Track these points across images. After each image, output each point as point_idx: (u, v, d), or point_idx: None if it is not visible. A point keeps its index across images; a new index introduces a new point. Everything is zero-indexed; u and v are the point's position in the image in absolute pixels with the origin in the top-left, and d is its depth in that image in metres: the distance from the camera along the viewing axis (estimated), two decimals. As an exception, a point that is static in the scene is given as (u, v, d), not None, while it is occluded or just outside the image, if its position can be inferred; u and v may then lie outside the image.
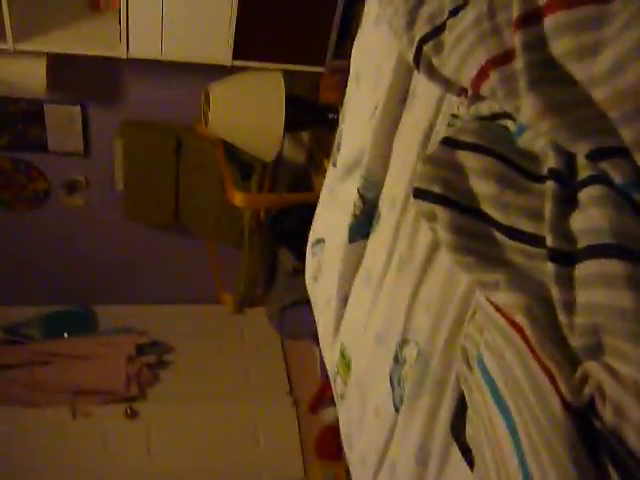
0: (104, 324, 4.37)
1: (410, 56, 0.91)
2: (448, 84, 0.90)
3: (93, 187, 3.83)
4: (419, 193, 0.79)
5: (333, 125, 3.38)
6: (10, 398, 3.89)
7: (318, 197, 3.31)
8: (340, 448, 3.37)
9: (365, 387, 1.38)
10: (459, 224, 0.75)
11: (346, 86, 3.06)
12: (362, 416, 1.39)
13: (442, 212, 0.76)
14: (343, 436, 1.55)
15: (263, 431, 4.04)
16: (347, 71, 3.01)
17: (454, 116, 1.02)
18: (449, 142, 0.80)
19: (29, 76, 3.00)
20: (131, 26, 2.85)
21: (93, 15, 3.07)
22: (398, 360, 1.22)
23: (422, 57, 0.88)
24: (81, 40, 2.93)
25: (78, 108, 3.44)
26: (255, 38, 3.04)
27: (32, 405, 3.90)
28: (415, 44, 0.88)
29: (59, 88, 3.30)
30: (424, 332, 1.12)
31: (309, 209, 3.14)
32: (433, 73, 0.89)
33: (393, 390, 1.24)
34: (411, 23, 0.90)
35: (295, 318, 3.47)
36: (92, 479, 3.75)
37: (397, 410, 1.23)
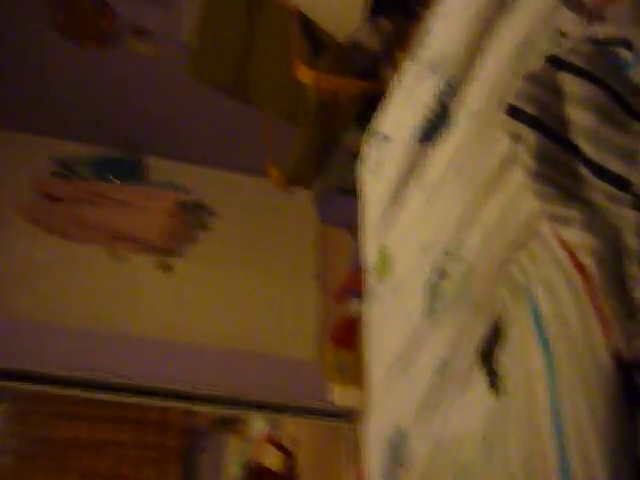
0: (152, 176, 4.42)
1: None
2: (572, 1, 0.82)
3: (162, 37, 3.75)
4: (511, 110, 0.74)
5: (415, 15, 3.22)
6: (53, 228, 4.03)
7: (385, 88, 3.21)
8: (356, 338, 3.47)
9: (401, 292, 1.38)
10: (545, 151, 0.71)
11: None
12: (392, 318, 1.41)
13: (530, 135, 0.72)
14: (370, 334, 1.57)
15: (284, 307, 4.14)
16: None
17: (562, 34, 0.95)
18: (555, 61, 0.74)
19: None
20: None
21: None
22: (441, 272, 1.22)
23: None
24: None
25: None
26: None
27: (73, 239, 4.04)
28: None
29: None
30: (473, 250, 1.10)
31: None
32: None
33: (429, 299, 1.24)
34: None
35: (338, 205, 3.47)
36: (118, 317, 3.92)
37: (428, 320, 1.23)
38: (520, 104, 0.74)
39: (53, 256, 3.98)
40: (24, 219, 4.02)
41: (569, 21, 0.90)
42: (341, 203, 3.45)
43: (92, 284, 3.97)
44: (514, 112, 0.75)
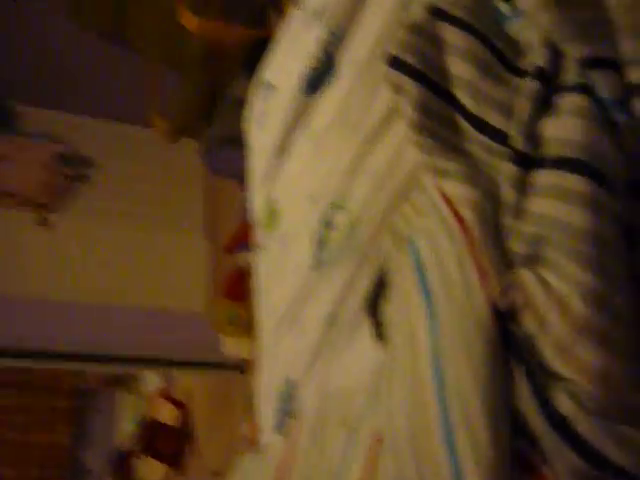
0: (24, 126, 4.13)
1: None
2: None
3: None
4: (393, 61, 0.73)
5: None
6: None
7: (272, 35, 3.15)
8: (246, 290, 3.46)
9: (289, 243, 1.37)
10: (426, 103, 0.71)
11: None
12: (280, 270, 1.40)
13: (412, 87, 0.71)
14: (259, 287, 1.56)
15: (172, 260, 4.07)
16: None
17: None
18: (437, 12, 0.73)
19: None
20: None
21: None
22: (327, 223, 1.21)
23: None
24: None
25: None
26: None
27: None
28: None
29: None
30: (360, 200, 1.11)
31: None
32: None
33: (315, 251, 1.24)
34: None
35: (226, 156, 3.40)
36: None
37: (316, 271, 1.24)
38: (402, 55, 0.73)
39: None
40: None
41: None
42: (229, 154, 3.38)
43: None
44: (396, 63, 0.74)
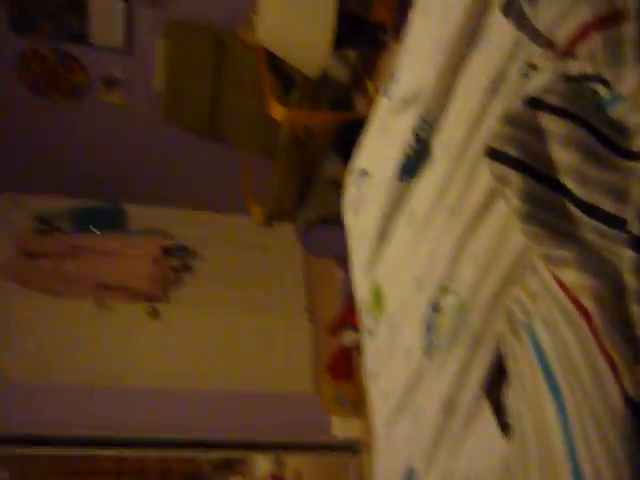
0: (133, 223, 4.41)
1: (500, 1, 0.84)
2: (537, 35, 0.83)
3: (132, 85, 3.76)
4: (493, 153, 0.74)
5: (382, 46, 3.26)
6: (37, 286, 3.99)
7: (359, 118, 3.24)
8: (352, 370, 3.44)
9: (397, 328, 1.37)
10: (533, 192, 0.71)
11: (399, 7, 2.93)
12: (390, 355, 1.40)
13: (516, 177, 0.72)
14: (368, 370, 1.56)
15: (277, 343, 4.13)
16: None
17: (531, 66, 0.96)
18: (532, 102, 0.74)
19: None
20: None
21: None
22: (435, 307, 1.21)
23: (513, 3, 0.81)
24: None
25: (121, 2, 3.33)
26: (311, -56, 2.89)
27: (58, 294, 4.00)
28: (508, -11, 0.81)
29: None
30: (467, 284, 1.10)
31: None
32: (522, 22, 0.82)
33: (426, 336, 1.24)
34: (505, -34, 0.83)
35: (323, 236, 3.47)
36: (110, 369, 3.88)
37: (428, 357, 1.23)
38: (501, 146, 0.74)
39: (40, 314, 3.94)
40: (7, 279, 3.98)
41: (539, 55, 0.91)
42: (324, 233, 3.45)
43: (81, 338, 3.93)
44: (496, 154, 0.75)
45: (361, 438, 3.46)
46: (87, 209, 4.35)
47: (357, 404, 3.41)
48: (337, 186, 3.36)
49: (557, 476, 0.65)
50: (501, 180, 0.75)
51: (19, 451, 3.51)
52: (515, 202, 0.73)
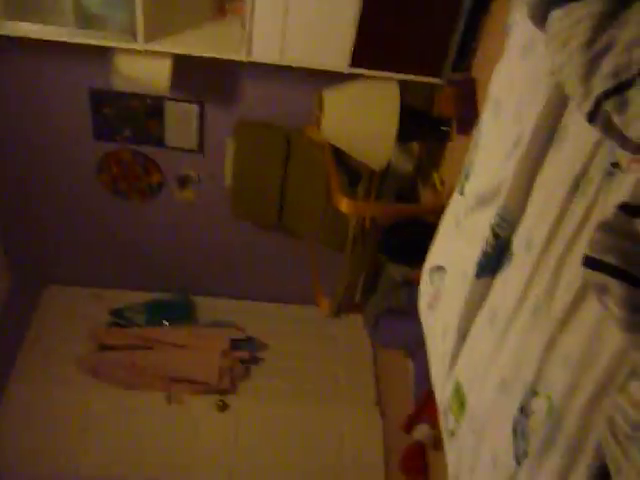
0: (203, 315, 4.48)
1: (585, 109, 0.85)
2: (625, 142, 0.84)
3: (204, 183, 3.92)
4: (590, 262, 0.74)
5: (445, 138, 3.32)
6: (111, 378, 4.07)
7: (424, 209, 3.26)
8: (426, 466, 3.32)
9: (482, 432, 1.33)
10: (636, 301, 0.70)
11: (462, 100, 3.00)
12: (475, 460, 1.35)
13: (617, 287, 0.71)
14: (450, 474, 1.51)
15: (348, 437, 4.03)
16: (464, 85, 2.94)
17: (615, 165, 0.96)
18: (628, 209, 0.74)
19: (155, 74, 3.10)
20: (254, 31, 2.89)
21: (218, 19, 3.14)
22: (524, 411, 1.17)
23: (600, 112, 0.82)
24: (205, 43, 3.00)
25: (196, 107, 3.53)
26: (373, 46, 3.01)
27: (131, 387, 4.06)
28: (593, 98, 0.83)
29: (180, 87, 3.39)
30: (559, 387, 1.07)
31: (419, 226, 3.12)
32: (610, 130, 0.84)
33: (516, 441, 1.19)
34: (589, 74, 0.85)
35: (391, 327, 3.44)
36: (180, 463, 3.86)
37: (518, 463, 1.18)
38: (599, 255, 0.73)
39: (111, 407, 3.99)
40: (83, 371, 4.08)
41: (624, 156, 0.92)
42: (394, 324, 3.42)
43: (151, 431, 3.94)
44: (593, 263, 0.74)
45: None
46: (160, 302, 4.47)
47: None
48: (402, 284, 3.37)
49: None
50: (600, 289, 0.74)
51: None
52: (617, 311, 0.72)
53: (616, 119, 0.80)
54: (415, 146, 3.73)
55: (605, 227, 0.74)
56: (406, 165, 3.73)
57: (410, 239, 3.12)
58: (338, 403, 4.16)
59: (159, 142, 3.67)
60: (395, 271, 3.36)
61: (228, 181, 3.84)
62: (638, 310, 0.70)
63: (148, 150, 3.74)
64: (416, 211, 3.38)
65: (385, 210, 3.45)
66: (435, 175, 3.35)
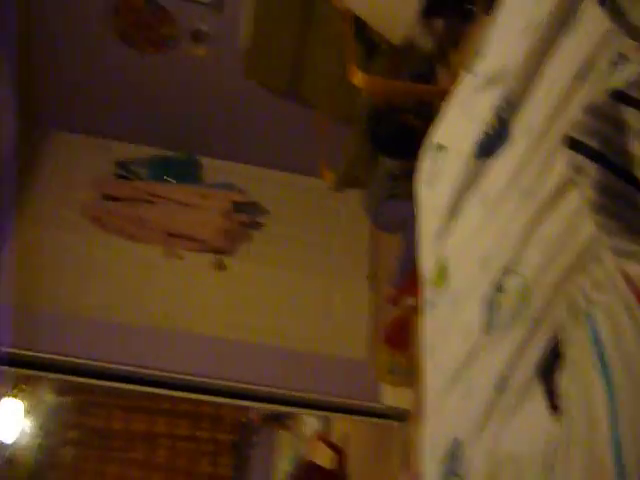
0: (207, 176, 4.52)
1: (596, -11, 0.84)
2: (632, 29, 0.83)
3: (219, 40, 3.83)
4: (572, 142, 0.76)
5: (469, 17, 3.20)
6: (112, 227, 4.16)
7: (441, 92, 3.20)
8: (409, 340, 3.48)
9: (459, 304, 1.40)
10: (608, 184, 0.72)
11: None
12: (449, 330, 1.42)
13: (593, 169, 0.73)
14: (426, 342, 1.59)
15: (337, 307, 4.19)
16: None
17: (622, 56, 0.95)
18: (618, 95, 0.75)
19: None
20: None
21: None
22: (499, 286, 1.23)
23: (610, -5, 0.81)
24: None
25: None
26: None
27: (130, 238, 4.16)
28: (606, -21, 0.81)
29: None
30: (533, 267, 1.12)
31: (407, 116, 3.03)
32: (618, 14, 0.82)
33: (487, 314, 1.26)
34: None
35: (390, 213, 3.45)
36: (173, 315, 4.02)
37: (486, 334, 1.25)
38: (582, 137, 0.75)
39: (112, 255, 4.11)
40: (86, 218, 4.17)
41: (630, 46, 0.91)
42: (391, 210, 3.42)
43: (149, 282, 4.08)
44: (576, 145, 0.76)
45: (410, 408, 3.51)
46: (165, 158, 4.49)
47: (410, 374, 3.45)
48: (399, 176, 3.34)
49: (600, 462, 0.68)
50: (577, 170, 0.76)
51: (82, 381, 3.71)
52: (589, 192, 0.74)
53: (625, 4, 0.79)
54: (438, 24, 3.60)
55: (592, 110, 0.75)
56: (427, 44, 3.62)
57: (398, 130, 3.06)
58: (332, 274, 4.29)
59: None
60: (390, 164, 3.34)
61: (245, 40, 3.75)
62: (609, 194, 0.73)
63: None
64: (431, 92, 3.33)
65: (399, 88, 3.39)
66: (454, 57, 3.27)
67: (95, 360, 3.60)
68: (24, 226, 4.04)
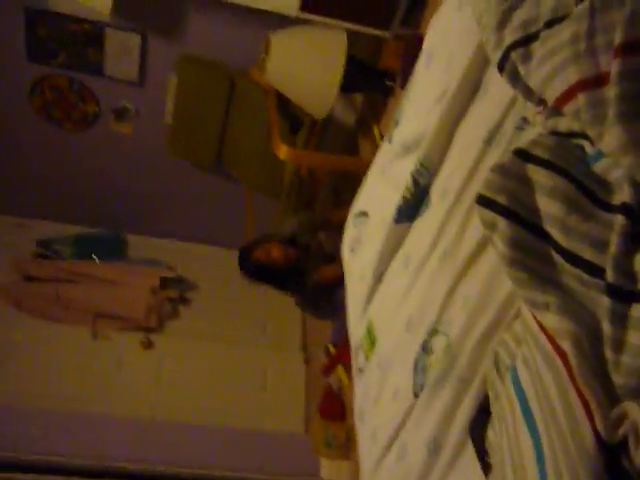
0: (134, 253, 4.45)
1: (495, 58, 0.89)
2: (529, 93, 0.88)
3: (142, 117, 3.84)
4: (483, 201, 0.79)
5: (389, 92, 3.34)
6: (35, 310, 4.01)
7: (362, 163, 3.29)
8: (343, 411, 3.43)
9: (387, 368, 1.39)
10: (518, 239, 0.75)
11: (407, 56, 3.01)
12: (379, 394, 1.41)
13: (504, 224, 0.76)
14: (356, 409, 1.58)
15: (271, 380, 4.12)
16: (411, 41, 2.96)
17: (525, 120, 1.01)
18: (521, 154, 0.79)
19: (96, -3, 3.00)
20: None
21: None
22: (425, 348, 1.24)
23: (508, 62, 0.86)
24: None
25: (138, 37, 3.43)
26: (325, -8, 2.99)
27: (55, 319, 4.01)
28: (503, 48, 0.86)
29: (123, 14, 3.28)
30: (457, 327, 1.13)
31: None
32: (516, 80, 0.87)
33: (415, 376, 1.26)
34: (502, 25, 0.88)
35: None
36: (102, 397, 3.86)
37: (416, 396, 1.25)
38: (491, 195, 0.78)
39: (35, 337, 3.94)
40: (4, 301, 4.00)
41: (532, 111, 0.96)
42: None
43: (75, 364, 3.92)
44: (486, 202, 0.79)
45: (349, 481, 3.43)
46: (89, 236, 4.40)
47: (347, 446, 3.39)
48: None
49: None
50: (490, 226, 0.79)
51: (6, 476, 3.48)
52: (501, 247, 0.77)
53: (521, 69, 0.84)
54: (358, 98, 3.74)
55: (500, 169, 0.79)
56: (348, 117, 3.75)
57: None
58: (263, 346, 4.23)
59: (97, 71, 3.56)
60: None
61: (168, 118, 3.78)
62: (520, 248, 0.76)
63: (85, 78, 3.62)
64: (353, 164, 3.41)
65: (322, 160, 3.47)
66: (376, 129, 3.38)
67: (13, 451, 3.38)
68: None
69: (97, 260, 4.29)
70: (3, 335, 3.90)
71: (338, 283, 2.09)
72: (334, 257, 2.70)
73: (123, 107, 3.80)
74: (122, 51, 3.48)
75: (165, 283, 4.26)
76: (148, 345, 4.07)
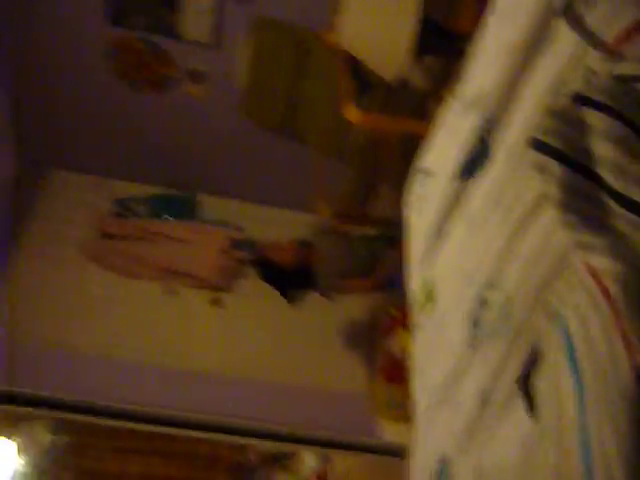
0: (205, 214, 4.56)
1: (558, 2, 0.87)
2: (590, 35, 0.86)
3: (216, 79, 3.91)
4: (537, 144, 0.78)
5: (463, 55, 3.28)
6: (110, 265, 4.19)
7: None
8: (405, 373, 3.45)
9: (445, 322, 1.41)
10: (571, 182, 0.75)
11: (483, 17, 2.93)
12: (436, 349, 1.43)
13: (556, 167, 0.76)
14: (416, 365, 1.60)
15: (336, 341, 4.17)
16: (487, 1, 2.88)
17: (592, 72, 0.98)
18: (579, 98, 0.78)
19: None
20: None
21: None
22: (482, 302, 1.24)
23: (572, 5, 0.84)
24: None
25: (212, -1, 3.48)
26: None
27: (128, 275, 4.19)
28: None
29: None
30: (513, 281, 1.13)
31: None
32: (577, 22, 0.86)
33: (471, 329, 1.27)
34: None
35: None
36: (171, 351, 4.01)
37: (471, 349, 1.26)
38: (545, 138, 0.77)
39: (110, 292, 4.12)
40: (84, 257, 4.20)
41: (597, 60, 0.94)
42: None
43: (147, 319, 4.09)
44: (540, 146, 0.78)
45: (409, 443, 3.46)
46: (163, 196, 4.54)
47: (408, 410, 3.42)
48: None
49: (567, 451, 0.68)
50: (542, 169, 0.79)
51: (75, 418, 3.68)
52: (553, 190, 0.76)
53: (581, 8, 0.82)
54: (432, 62, 3.68)
55: (556, 113, 0.78)
56: (420, 80, 3.69)
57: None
58: (329, 308, 4.28)
59: (174, 33, 3.64)
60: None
61: (240, 80, 3.82)
62: (572, 191, 0.75)
63: (162, 41, 3.71)
64: (424, 129, 3.37)
65: (393, 124, 3.45)
66: (448, 94, 3.33)
67: (91, 397, 3.57)
68: (22, 264, 4.07)
69: (170, 219, 4.42)
70: (82, 288, 4.09)
71: None
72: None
73: (198, 69, 3.88)
74: (197, 13, 3.54)
75: (235, 244, 4.36)
76: (218, 303, 4.19)
